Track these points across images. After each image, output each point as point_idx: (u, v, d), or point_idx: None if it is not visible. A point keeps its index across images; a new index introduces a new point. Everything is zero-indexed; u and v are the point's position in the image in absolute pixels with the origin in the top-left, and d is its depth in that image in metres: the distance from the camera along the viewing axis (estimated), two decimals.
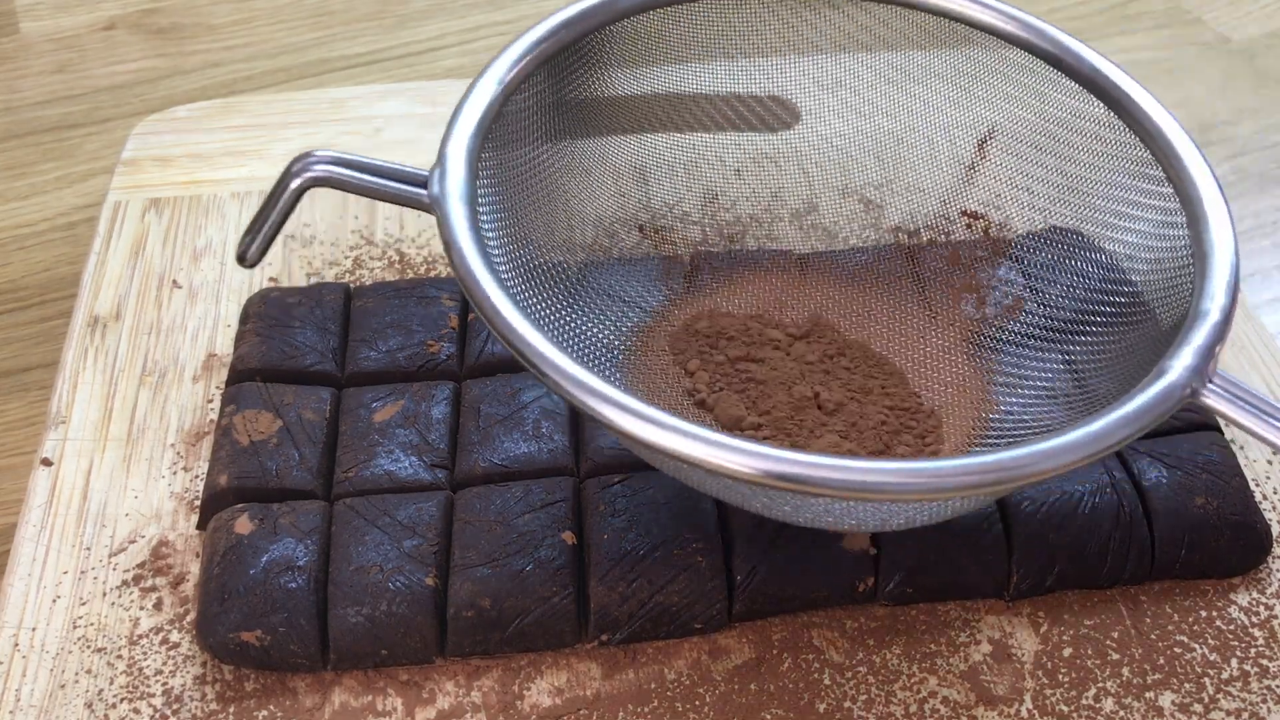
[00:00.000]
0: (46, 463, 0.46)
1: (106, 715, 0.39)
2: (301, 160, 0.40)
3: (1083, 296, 0.44)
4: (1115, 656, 0.41)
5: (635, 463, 0.44)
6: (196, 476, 0.46)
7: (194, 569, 0.43)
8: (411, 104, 0.62)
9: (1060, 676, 0.40)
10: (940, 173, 0.48)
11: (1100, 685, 0.40)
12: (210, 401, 0.48)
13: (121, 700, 0.39)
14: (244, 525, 0.42)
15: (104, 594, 0.42)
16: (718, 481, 0.36)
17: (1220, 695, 0.40)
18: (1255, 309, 0.53)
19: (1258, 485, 0.45)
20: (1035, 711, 0.39)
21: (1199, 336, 0.35)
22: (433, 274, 0.53)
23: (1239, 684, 0.40)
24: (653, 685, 0.40)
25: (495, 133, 0.41)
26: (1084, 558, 0.42)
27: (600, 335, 0.45)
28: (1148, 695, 0.40)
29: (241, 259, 0.41)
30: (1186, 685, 0.40)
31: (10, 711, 0.39)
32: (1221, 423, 0.47)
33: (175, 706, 0.39)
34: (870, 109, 0.48)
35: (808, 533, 0.41)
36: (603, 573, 0.40)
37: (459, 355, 0.48)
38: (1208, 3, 0.76)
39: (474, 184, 0.39)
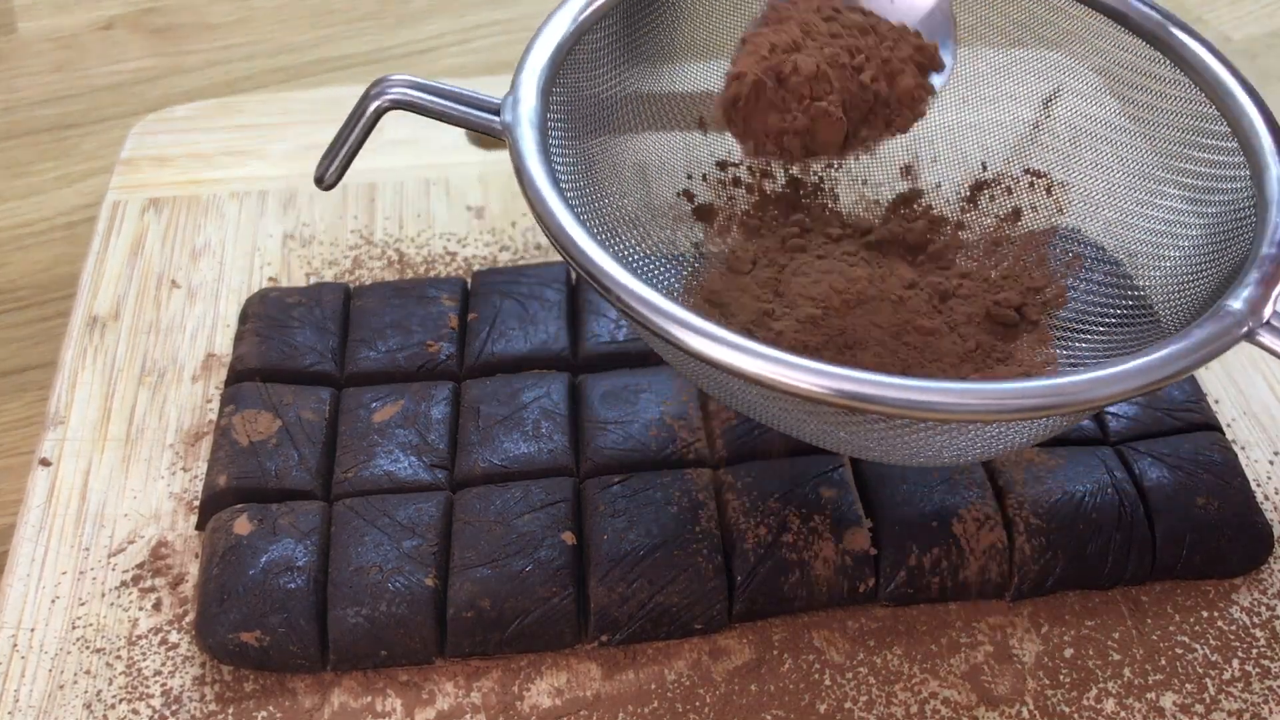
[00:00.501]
0: (45, 463, 0.46)
1: (105, 716, 0.39)
2: (379, 83, 0.40)
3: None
4: (1116, 657, 0.41)
5: (635, 462, 0.44)
6: (195, 477, 0.45)
7: (193, 569, 0.43)
8: None
9: (1061, 677, 0.40)
10: (1004, 131, 0.48)
11: (1101, 686, 0.40)
12: (209, 401, 0.48)
13: (120, 701, 0.39)
14: (243, 526, 0.41)
15: (103, 594, 0.42)
16: (776, 404, 0.36)
17: (1222, 696, 0.40)
18: None
19: (1259, 486, 0.45)
20: (1036, 712, 0.39)
21: (1258, 276, 0.36)
22: (432, 274, 0.53)
23: (1240, 684, 0.40)
24: (653, 686, 0.40)
25: (568, 68, 0.41)
26: (1085, 558, 0.42)
27: (662, 274, 0.45)
28: (1149, 696, 0.40)
29: (319, 181, 0.41)
30: (1188, 686, 0.40)
31: (9, 712, 0.39)
32: (1224, 423, 0.47)
33: (174, 707, 0.39)
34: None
35: (807, 533, 0.41)
36: (603, 573, 0.40)
37: (459, 355, 0.48)
38: (1209, 2, 0.76)
39: (545, 113, 0.39)
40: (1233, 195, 0.40)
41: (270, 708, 0.39)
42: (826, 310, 0.43)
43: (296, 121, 0.61)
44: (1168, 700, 0.40)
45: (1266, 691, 0.40)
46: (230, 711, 0.39)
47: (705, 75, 0.47)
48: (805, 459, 0.44)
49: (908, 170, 0.49)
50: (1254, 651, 0.41)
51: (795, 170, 0.49)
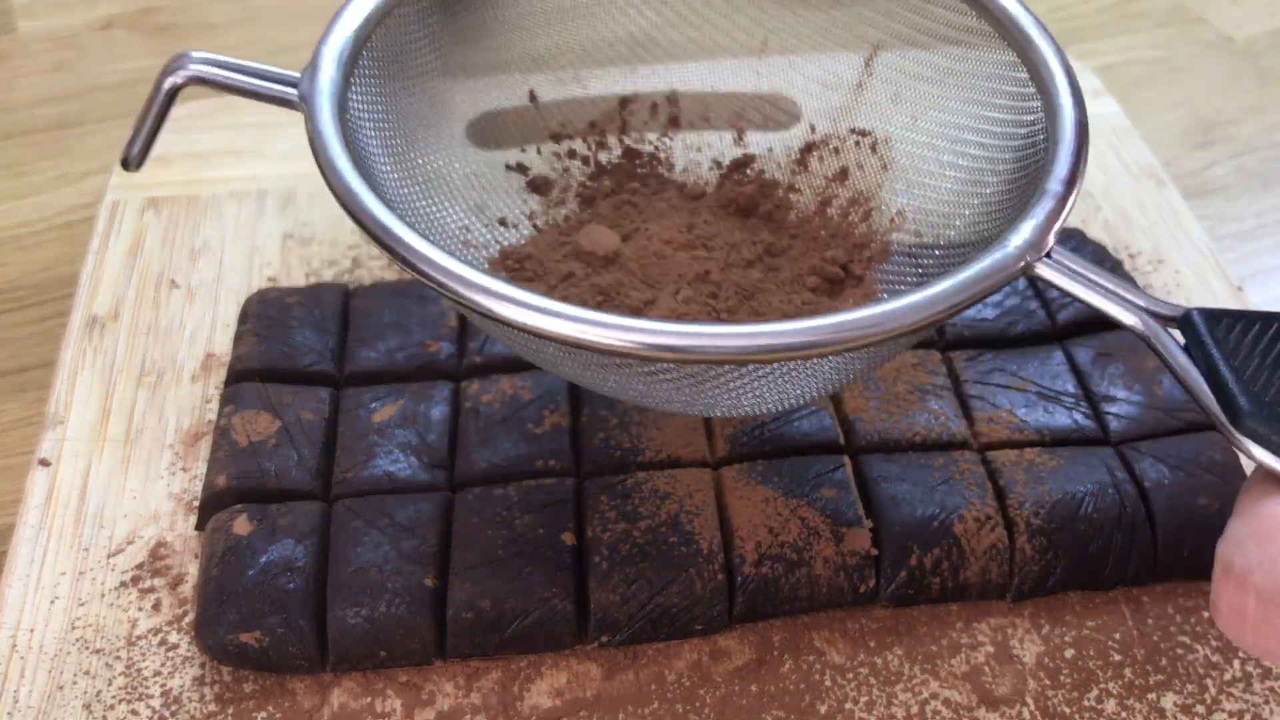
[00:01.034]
0: (44, 463, 0.46)
1: (105, 716, 0.39)
2: (176, 60, 0.40)
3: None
4: (1117, 658, 0.41)
5: (635, 462, 0.44)
6: (195, 477, 0.45)
7: (192, 570, 0.43)
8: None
9: (1062, 678, 0.40)
10: (830, 93, 0.50)
11: (1102, 686, 0.40)
12: (209, 402, 0.48)
13: (120, 701, 0.39)
14: (242, 526, 0.41)
15: (102, 595, 0.42)
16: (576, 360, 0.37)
17: (1223, 696, 0.40)
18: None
19: None
20: (1037, 713, 0.39)
21: (1038, 212, 0.36)
22: None
23: (1241, 685, 0.40)
24: (653, 687, 0.40)
25: (379, 41, 0.42)
26: (1086, 558, 0.41)
27: (473, 236, 0.46)
28: (1150, 696, 0.40)
29: (125, 163, 0.42)
30: (1189, 686, 0.40)
31: (8, 713, 0.39)
32: None
33: (174, 708, 0.39)
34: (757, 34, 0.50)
35: (807, 534, 0.41)
36: (603, 574, 0.40)
37: (458, 355, 0.48)
38: (1210, 2, 0.76)
39: (346, 86, 0.39)
40: (1029, 139, 0.41)
41: (270, 708, 0.39)
42: (643, 266, 0.43)
43: (296, 121, 0.60)
44: (1168, 701, 0.39)
45: (1267, 692, 0.40)
46: (230, 712, 0.39)
47: (531, 50, 0.48)
48: (805, 459, 0.44)
49: (740, 136, 0.50)
50: None
51: (630, 140, 0.50)
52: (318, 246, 0.54)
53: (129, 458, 0.46)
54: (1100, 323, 0.49)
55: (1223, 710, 0.39)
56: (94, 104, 0.68)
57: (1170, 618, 0.42)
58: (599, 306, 0.42)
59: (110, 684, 0.40)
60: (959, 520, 0.41)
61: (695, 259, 0.44)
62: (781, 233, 0.47)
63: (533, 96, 0.48)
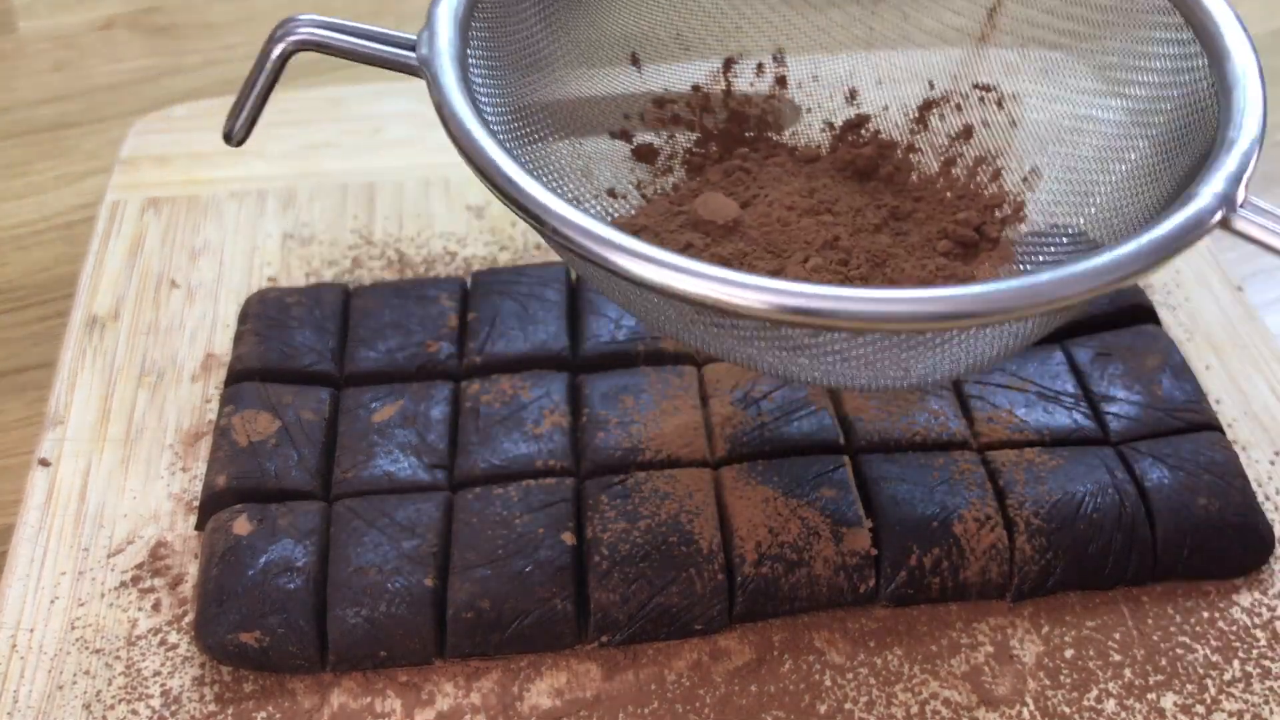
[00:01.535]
0: (44, 463, 0.46)
1: (104, 716, 0.39)
2: (284, 25, 0.38)
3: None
4: (1117, 658, 0.41)
5: (635, 462, 0.44)
6: (195, 477, 0.45)
7: (192, 570, 0.43)
8: (411, 104, 0.61)
9: (1062, 678, 0.40)
10: (949, 47, 0.47)
11: (1102, 686, 0.40)
12: (209, 402, 0.48)
13: (119, 701, 0.39)
14: (242, 526, 0.41)
15: (102, 595, 0.42)
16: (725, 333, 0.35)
17: (1222, 696, 0.40)
18: (1258, 309, 0.53)
19: (1260, 486, 0.45)
20: (1037, 713, 0.39)
21: (1229, 162, 0.34)
22: (432, 274, 0.53)
23: (1241, 685, 0.40)
24: (653, 687, 0.40)
25: (486, 3, 0.40)
26: (1086, 559, 0.42)
27: (584, 208, 0.43)
28: (1150, 696, 0.40)
29: (228, 137, 0.39)
30: (1189, 686, 0.40)
31: (8, 713, 0.39)
32: (1225, 424, 0.47)
33: (174, 708, 0.39)
34: None
35: (807, 533, 0.41)
36: (602, 574, 0.40)
37: (458, 355, 0.48)
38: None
39: (464, 46, 0.38)
40: (1190, 89, 0.39)
41: (269, 708, 0.39)
42: (765, 234, 0.41)
43: (296, 121, 0.61)
44: (1168, 701, 0.39)
45: (1267, 692, 0.40)
46: (229, 712, 0.39)
47: (634, 12, 0.46)
48: (805, 459, 0.44)
49: (853, 95, 0.47)
50: (1255, 652, 0.41)
51: (736, 104, 0.47)
52: (318, 246, 0.54)
53: (129, 458, 0.46)
54: (1100, 323, 0.49)
55: (1222, 710, 0.39)
56: (94, 104, 0.68)
57: (1170, 618, 0.42)
58: None
59: (110, 684, 0.40)
60: (959, 520, 0.41)
61: (821, 225, 0.41)
62: (904, 196, 0.44)
63: (635, 59, 0.46)
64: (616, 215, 0.44)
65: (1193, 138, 0.37)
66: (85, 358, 0.50)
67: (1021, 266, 0.42)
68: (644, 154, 0.46)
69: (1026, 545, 0.41)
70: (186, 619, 0.41)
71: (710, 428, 0.45)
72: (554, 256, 0.54)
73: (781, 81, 0.48)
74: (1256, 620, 0.42)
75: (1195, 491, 0.42)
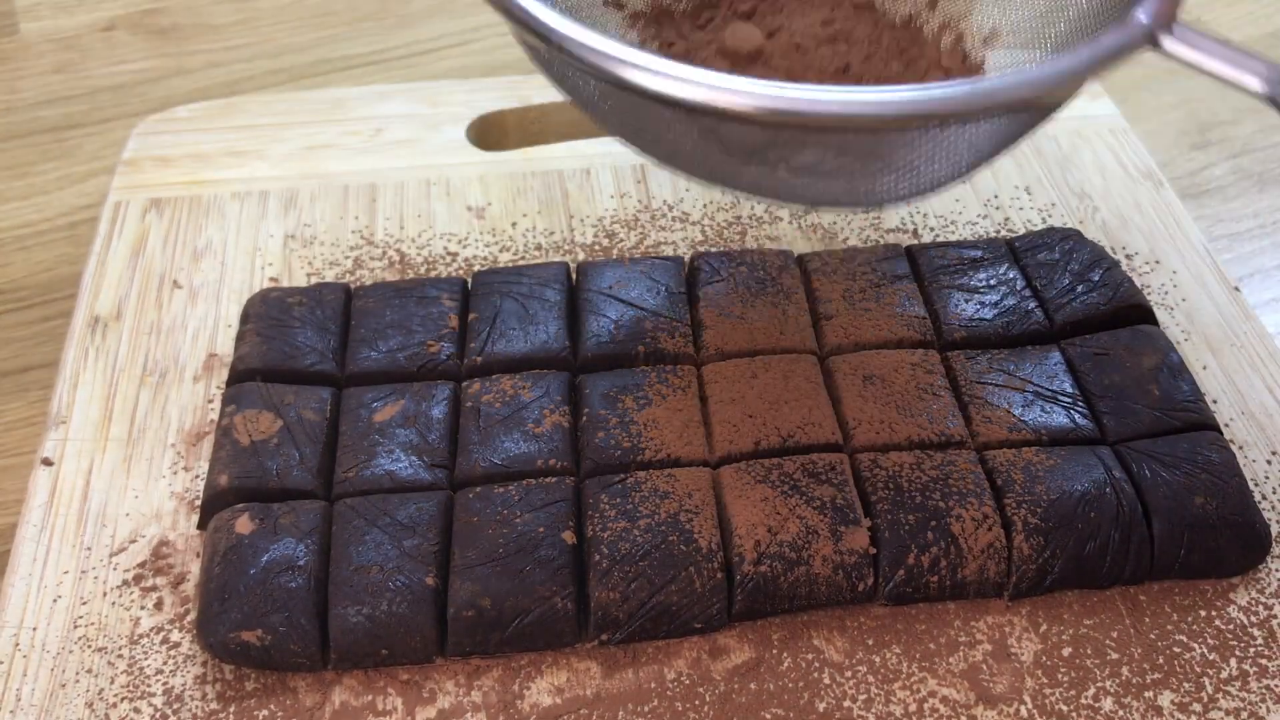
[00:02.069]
0: (47, 463, 0.46)
1: (107, 715, 0.39)
2: None
3: None
4: (1114, 656, 0.41)
5: (635, 462, 0.44)
6: (197, 476, 0.46)
7: (194, 569, 0.43)
8: (411, 104, 0.62)
9: (1059, 676, 0.40)
10: None
11: (1099, 685, 0.40)
12: (211, 401, 0.48)
13: (122, 700, 0.39)
14: (244, 525, 0.42)
15: (104, 594, 0.42)
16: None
17: (1219, 695, 0.40)
18: (1255, 309, 0.53)
19: (1257, 485, 0.46)
20: (1035, 711, 0.39)
21: None
22: (433, 274, 0.53)
23: (1238, 683, 0.40)
24: (653, 685, 0.40)
25: None
26: (1083, 558, 0.42)
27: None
28: (1147, 695, 0.40)
29: None
30: (1185, 685, 0.40)
31: (11, 711, 0.39)
32: (1221, 423, 0.47)
33: (176, 706, 0.39)
34: None
35: (806, 532, 0.41)
36: (603, 572, 0.41)
37: (459, 355, 0.48)
38: (1207, 3, 0.76)
39: None
40: None
41: (271, 706, 0.39)
42: (787, 63, 0.44)
43: (298, 122, 0.61)
44: (1165, 699, 0.40)
45: (1264, 690, 0.40)
46: (231, 710, 0.39)
47: None
48: (804, 457, 0.44)
49: None
50: (1251, 650, 0.41)
51: None
52: (319, 247, 0.55)
53: (131, 457, 0.46)
54: (1097, 323, 0.49)
55: (1219, 708, 0.39)
56: (96, 105, 0.68)
57: (1167, 616, 0.42)
58: None
59: (112, 682, 0.40)
60: (957, 519, 0.42)
61: (836, 54, 0.44)
62: (910, 33, 0.47)
63: None
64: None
65: None
66: (88, 357, 0.50)
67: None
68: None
69: (1024, 544, 0.42)
70: (189, 617, 0.41)
71: (710, 427, 0.45)
72: (554, 257, 0.54)
73: None
74: (1253, 619, 0.42)
75: (1192, 491, 0.43)
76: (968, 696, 0.40)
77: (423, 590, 0.40)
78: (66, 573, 0.43)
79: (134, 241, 0.55)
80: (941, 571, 0.41)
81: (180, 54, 0.72)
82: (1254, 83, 0.36)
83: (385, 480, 0.43)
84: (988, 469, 0.44)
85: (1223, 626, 0.42)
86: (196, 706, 0.39)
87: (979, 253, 0.51)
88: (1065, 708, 0.39)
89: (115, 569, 0.43)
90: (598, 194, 0.57)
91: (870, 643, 0.41)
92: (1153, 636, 0.41)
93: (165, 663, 0.40)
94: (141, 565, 0.43)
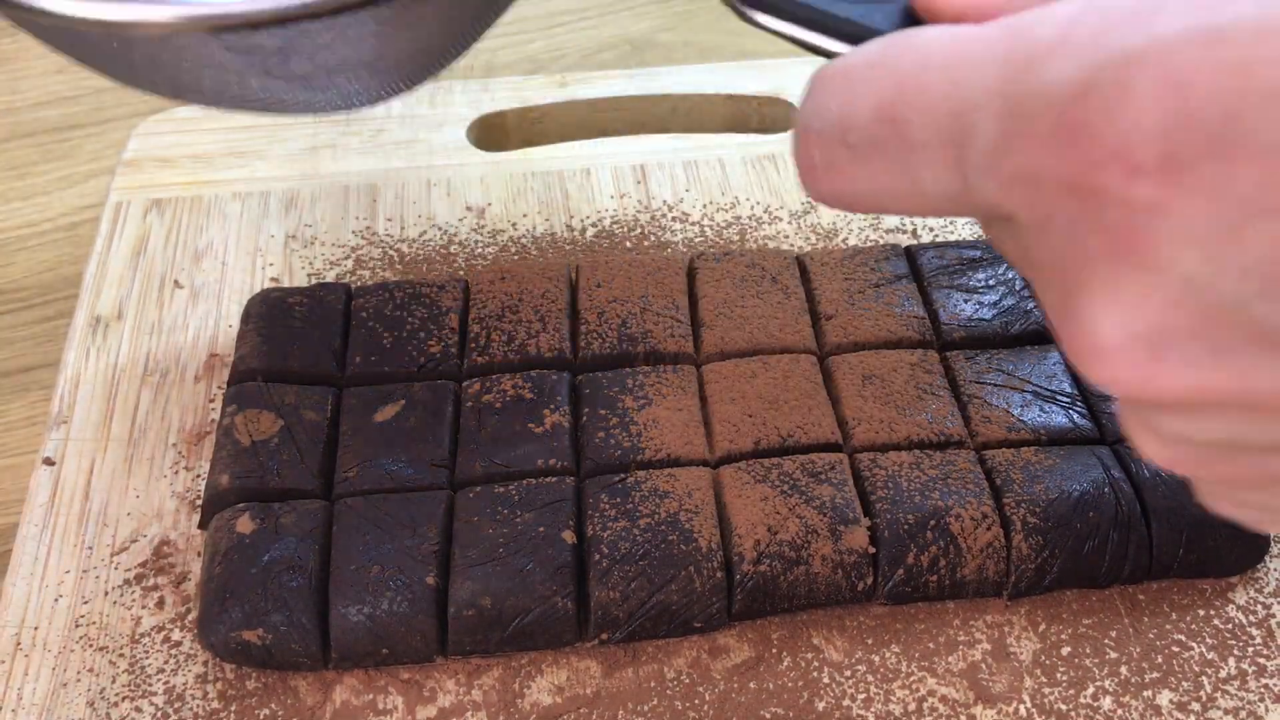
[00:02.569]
0: (48, 462, 0.46)
1: (108, 714, 0.39)
2: None
3: None
4: (1113, 655, 0.41)
5: (635, 461, 0.44)
6: (198, 476, 0.46)
7: (195, 568, 0.43)
8: (412, 104, 0.62)
9: (1058, 675, 0.40)
10: None
11: (1098, 684, 0.40)
12: (212, 401, 0.48)
13: (123, 699, 0.39)
14: (245, 524, 0.42)
15: (106, 593, 0.42)
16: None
17: (1218, 694, 0.40)
18: None
19: None
20: (1034, 710, 0.39)
21: None
22: (433, 274, 0.53)
23: (1237, 683, 0.40)
24: (653, 684, 0.40)
25: None
26: (1082, 557, 0.42)
27: None
28: (1146, 694, 0.40)
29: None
30: (1184, 684, 0.40)
31: (12, 710, 0.39)
32: None
33: (177, 705, 0.39)
34: None
35: (806, 532, 0.41)
36: (603, 572, 0.41)
37: (459, 355, 0.48)
38: None
39: None
40: None
41: (272, 705, 0.39)
42: None
43: (298, 123, 0.61)
44: (1164, 698, 0.40)
45: (1262, 689, 0.40)
46: (233, 709, 0.39)
47: None
48: (804, 457, 0.44)
49: None
50: (1250, 650, 0.41)
51: None
52: (320, 247, 0.55)
53: (132, 457, 0.46)
54: None
55: (1218, 707, 0.39)
56: (97, 105, 0.68)
57: (1166, 615, 0.42)
58: None
59: (114, 681, 0.40)
60: (956, 518, 0.42)
61: None
62: None
63: None
64: None
65: None
66: (89, 357, 0.50)
67: None
68: None
69: (1023, 544, 0.42)
70: (190, 617, 0.41)
71: (710, 427, 0.45)
72: (554, 257, 0.54)
73: None
74: (1252, 618, 0.42)
75: (1191, 490, 0.43)
76: (967, 696, 0.40)
77: (423, 590, 0.40)
78: (68, 572, 0.43)
79: (135, 241, 0.55)
80: (941, 571, 0.41)
81: None
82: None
83: (386, 480, 0.44)
84: (987, 469, 0.44)
85: (1221, 626, 0.42)
86: (198, 705, 0.39)
87: (978, 253, 0.51)
88: (1064, 707, 0.39)
89: (116, 568, 0.43)
90: (598, 194, 0.57)
91: (869, 642, 0.41)
92: (1151, 636, 0.41)
93: (166, 662, 0.40)
94: (143, 565, 0.43)
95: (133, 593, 0.42)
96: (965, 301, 0.49)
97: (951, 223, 0.56)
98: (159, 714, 0.39)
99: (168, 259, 0.54)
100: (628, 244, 0.55)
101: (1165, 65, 0.21)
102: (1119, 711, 0.39)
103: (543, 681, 0.40)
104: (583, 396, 0.46)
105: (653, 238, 0.55)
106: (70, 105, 0.68)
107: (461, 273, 0.53)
